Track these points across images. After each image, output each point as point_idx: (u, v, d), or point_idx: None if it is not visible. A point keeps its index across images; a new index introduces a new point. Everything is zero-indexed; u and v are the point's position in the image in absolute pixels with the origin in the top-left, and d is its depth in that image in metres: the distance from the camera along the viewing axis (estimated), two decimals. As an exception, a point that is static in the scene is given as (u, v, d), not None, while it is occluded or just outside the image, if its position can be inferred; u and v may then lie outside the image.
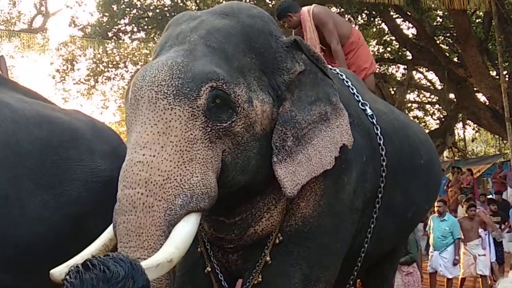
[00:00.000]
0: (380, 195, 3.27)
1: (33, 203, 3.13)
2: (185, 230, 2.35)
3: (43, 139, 3.22)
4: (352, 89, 3.33)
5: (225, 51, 2.62)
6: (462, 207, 13.35)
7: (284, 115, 2.72)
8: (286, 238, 2.86)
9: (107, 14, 16.28)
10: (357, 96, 3.32)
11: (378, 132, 3.26)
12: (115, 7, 16.00)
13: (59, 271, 2.36)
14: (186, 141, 2.42)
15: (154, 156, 2.38)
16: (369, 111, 3.28)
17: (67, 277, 1.45)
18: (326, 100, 2.86)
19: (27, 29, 18.36)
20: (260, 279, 2.85)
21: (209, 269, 2.99)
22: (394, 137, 3.42)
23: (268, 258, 2.85)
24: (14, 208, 3.07)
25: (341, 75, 3.34)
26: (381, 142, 3.24)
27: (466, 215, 9.30)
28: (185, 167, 2.40)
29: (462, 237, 8.92)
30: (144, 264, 2.13)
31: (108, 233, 2.51)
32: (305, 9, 4.80)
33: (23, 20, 19.45)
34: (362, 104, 3.30)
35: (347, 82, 3.32)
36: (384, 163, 3.25)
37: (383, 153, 3.24)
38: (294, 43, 2.84)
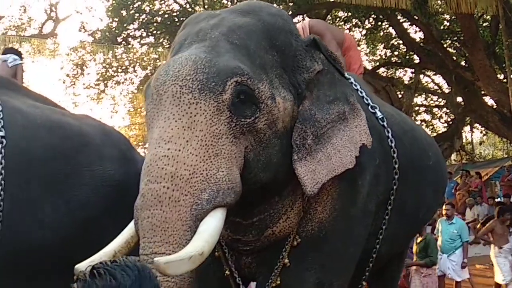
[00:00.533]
0: (392, 197, 3.27)
1: (44, 208, 3.15)
2: (213, 225, 2.33)
3: (54, 144, 3.25)
4: (361, 92, 3.34)
5: (247, 48, 2.62)
6: (470, 210, 13.40)
7: (304, 114, 2.72)
8: (302, 242, 2.86)
9: (117, 20, 16.38)
10: (366, 100, 3.32)
11: (389, 134, 3.26)
12: (124, 12, 16.10)
13: (83, 266, 2.34)
14: (211, 135, 2.41)
15: (179, 150, 2.36)
16: (379, 114, 3.29)
17: (74, 285, 1.43)
18: (344, 100, 2.87)
19: (38, 35, 18.50)
20: (278, 282, 2.84)
21: (228, 273, 2.99)
22: (404, 139, 3.42)
23: (286, 261, 2.84)
24: (25, 213, 3.10)
25: (349, 79, 3.33)
26: (393, 144, 3.25)
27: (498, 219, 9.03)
28: (211, 161, 2.39)
29: (491, 239, 8.88)
30: (177, 255, 2.18)
31: (129, 229, 2.49)
32: (299, 25, 4.85)
33: (33, 26, 19.61)
34: (371, 107, 3.30)
35: (356, 85, 3.33)
36: (396, 166, 3.25)
37: (395, 155, 3.25)
38: (313, 42, 2.85)
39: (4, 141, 3.10)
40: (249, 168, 2.55)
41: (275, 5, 14.53)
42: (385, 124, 3.28)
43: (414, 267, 8.04)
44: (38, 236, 3.11)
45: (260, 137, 2.56)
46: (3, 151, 3.08)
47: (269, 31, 2.73)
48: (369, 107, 3.29)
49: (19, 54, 5.88)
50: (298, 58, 2.78)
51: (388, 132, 3.27)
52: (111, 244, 2.49)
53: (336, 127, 2.80)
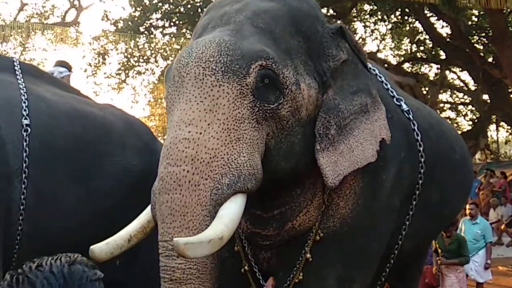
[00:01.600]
0: (417, 192, 3.18)
1: (66, 198, 3.15)
2: (233, 210, 2.28)
3: (77, 134, 3.25)
4: (386, 84, 3.26)
5: (272, 32, 2.56)
6: (494, 210, 13.17)
7: (328, 103, 2.65)
8: (324, 238, 2.80)
9: (139, 9, 16.40)
10: (392, 92, 3.24)
11: (415, 127, 3.17)
12: (147, 2, 16.12)
13: (98, 248, 2.38)
14: (233, 119, 2.35)
15: (200, 133, 2.31)
16: (404, 107, 3.20)
17: None
18: (366, 92, 2.81)
19: (60, 23, 18.59)
20: (301, 277, 2.78)
21: (247, 268, 2.92)
22: (431, 133, 3.34)
23: (308, 255, 2.78)
24: (48, 202, 3.10)
25: (374, 70, 3.27)
26: (419, 138, 3.16)
27: None
28: (232, 146, 2.33)
29: None
30: (196, 238, 2.14)
31: (146, 214, 2.46)
32: None
33: (56, 14, 19.74)
34: (397, 99, 3.22)
35: (380, 77, 3.26)
36: (422, 159, 3.15)
37: (421, 149, 3.15)
38: (340, 30, 2.78)
39: (29, 129, 3.12)
40: (270, 156, 2.49)
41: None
42: (410, 116, 3.19)
43: (444, 266, 7.89)
44: (60, 225, 3.11)
45: (283, 124, 2.49)
46: (27, 139, 3.09)
47: (295, 16, 2.65)
48: (395, 99, 3.21)
49: (67, 66, 5.95)
50: (324, 45, 2.71)
51: (414, 125, 3.17)
52: (127, 228, 2.48)
53: (358, 119, 2.75)
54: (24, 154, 3.04)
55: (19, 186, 3.02)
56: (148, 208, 2.43)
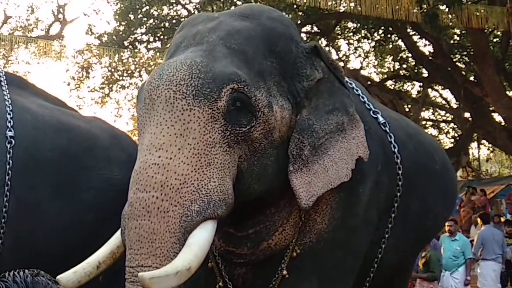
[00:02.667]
0: (396, 205, 3.17)
1: (51, 210, 3.11)
2: (202, 238, 2.26)
3: (62, 146, 3.22)
4: (363, 97, 3.26)
5: (245, 53, 2.54)
6: (475, 227, 13.24)
7: (302, 123, 2.64)
8: (301, 254, 2.79)
9: (124, 23, 16.38)
10: (368, 105, 3.25)
11: (392, 140, 3.16)
12: (132, 16, 16.10)
13: (66, 278, 2.32)
14: (204, 144, 2.34)
15: (170, 158, 2.29)
16: (381, 119, 3.20)
17: None
18: (343, 110, 2.80)
19: (44, 36, 18.47)
20: None
21: (221, 285, 2.90)
22: (409, 144, 3.34)
23: (285, 272, 2.76)
24: (32, 214, 3.06)
25: (351, 84, 3.28)
26: (396, 150, 3.15)
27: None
28: (203, 171, 2.31)
29: None
30: (162, 271, 2.11)
31: (116, 239, 2.43)
32: None
33: (40, 27, 19.62)
34: (373, 112, 3.22)
35: (357, 91, 3.27)
36: (399, 172, 3.15)
37: (398, 161, 3.15)
38: (314, 50, 2.77)
39: (13, 141, 3.08)
40: (243, 178, 2.48)
41: (284, 13, 14.53)
42: (387, 129, 3.19)
43: (418, 280, 8.01)
44: (42, 239, 3.07)
45: (255, 146, 2.48)
46: (11, 151, 3.06)
47: (268, 36, 2.64)
48: (371, 112, 3.22)
49: None
50: (298, 66, 2.70)
51: (390, 137, 3.17)
52: (96, 254, 2.43)
53: (334, 138, 2.74)
54: (8, 167, 3.01)
55: (0, 199, 2.97)
56: (118, 233, 2.40)
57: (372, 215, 3.02)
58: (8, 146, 3.05)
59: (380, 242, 3.18)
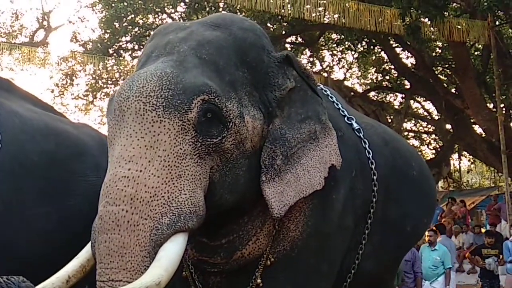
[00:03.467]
0: (372, 210, 3.15)
1: (36, 216, 3.07)
2: (172, 251, 2.23)
3: (50, 151, 3.17)
4: (337, 104, 3.25)
5: (216, 64, 2.52)
6: (456, 238, 13.37)
7: (274, 133, 2.62)
8: (275, 262, 2.77)
9: (109, 31, 16.37)
10: (342, 111, 3.24)
11: (366, 146, 3.16)
12: (117, 24, 16.09)
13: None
14: (175, 156, 2.31)
15: (140, 171, 2.26)
16: (355, 125, 3.19)
17: None
18: (315, 119, 2.78)
19: (28, 43, 18.35)
20: None
21: None
22: (385, 149, 3.32)
23: (259, 281, 2.75)
24: (17, 219, 3.02)
25: (325, 91, 3.28)
26: (370, 156, 3.15)
27: None
28: (173, 183, 2.29)
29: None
30: (131, 286, 2.07)
31: (86, 252, 2.38)
32: None
33: (24, 34, 19.46)
34: (348, 118, 3.21)
35: (331, 98, 3.26)
36: (374, 177, 3.13)
37: (373, 167, 3.14)
38: (286, 59, 2.75)
39: (0, 145, 3.01)
40: (215, 189, 2.45)
41: (268, 24, 14.55)
42: (361, 135, 3.18)
43: None
44: (28, 244, 3.02)
45: (227, 157, 2.46)
46: None
47: (240, 46, 2.62)
48: (345, 118, 3.21)
49: None
50: (270, 75, 2.68)
51: (365, 143, 3.17)
52: (65, 268, 2.37)
53: (306, 147, 2.72)
54: None
55: None
56: (88, 246, 2.36)
57: (348, 222, 3.00)
58: None
59: (357, 248, 3.16)
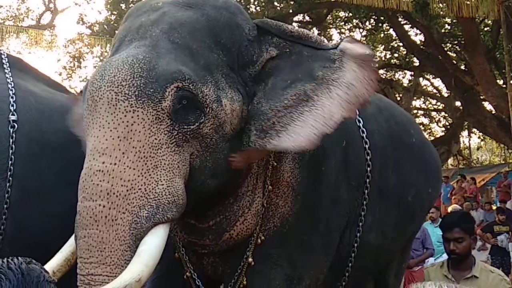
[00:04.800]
0: (368, 180, 3.06)
1: (53, 199, 3.03)
2: (153, 245, 2.19)
3: (66, 131, 3.06)
4: None
5: (190, 48, 2.42)
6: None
7: (251, 111, 2.53)
8: (266, 240, 2.73)
9: (115, 13, 16.34)
10: None
11: (356, 114, 2.97)
12: (123, 6, 16.05)
13: None
14: (150, 146, 2.24)
15: (115, 164, 2.20)
16: None
17: None
18: (306, 78, 2.52)
19: (35, 26, 18.40)
20: (245, 282, 2.72)
21: (188, 274, 2.85)
22: (379, 117, 3.24)
23: (250, 260, 2.71)
24: (33, 203, 2.99)
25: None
26: (361, 124, 3.06)
27: None
28: (149, 174, 2.23)
29: None
30: (110, 286, 2.04)
31: (69, 246, 2.36)
32: None
33: (31, 16, 19.54)
34: None
35: None
36: (366, 146, 3.04)
37: (364, 135, 3.05)
38: (260, 30, 2.61)
39: (16, 125, 2.99)
40: (196, 175, 2.39)
41: (275, 3, 14.44)
42: None
43: None
44: (47, 227, 2.98)
45: (207, 142, 2.39)
46: (14, 135, 2.97)
47: (213, 27, 2.51)
48: None
49: None
50: (244, 53, 2.55)
51: None
52: (50, 263, 2.35)
53: (294, 112, 2.45)
54: (10, 152, 2.93)
55: (3, 184, 2.90)
56: (71, 240, 2.34)
57: (341, 193, 2.94)
58: (11, 130, 2.96)
59: (358, 220, 3.09)
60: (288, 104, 2.46)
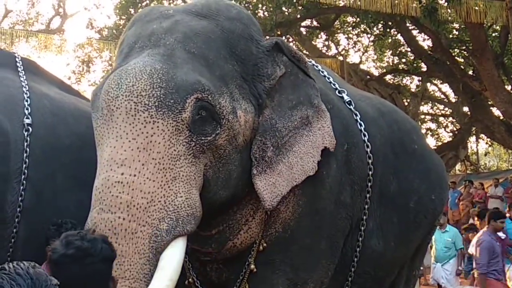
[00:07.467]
0: (369, 184, 3.08)
1: (68, 202, 3.03)
2: (174, 259, 2.21)
3: (81, 134, 3.11)
4: (328, 78, 3.21)
5: (206, 58, 2.45)
6: (474, 220, 13.31)
7: (264, 124, 2.59)
8: (268, 246, 2.75)
9: (124, 17, 16.37)
10: (333, 84, 3.18)
11: (358, 118, 3.09)
12: (132, 10, 16.10)
13: None
14: (169, 157, 2.25)
15: (134, 175, 2.20)
16: (346, 98, 3.13)
17: None
18: (307, 103, 2.73)
19: (45, 30, 18.49)
20: None
21: (191, 280, 2.86)
22: (381, 121, 3.25)
23: (252, 266, 2.73)
24: (47, 206, 2.98)
25: (316, 66, 3.24)
26: (362, 128, 3.08)
27: None
28: (169, 186, 2.23)
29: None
30: None
31: None
32: None
33: (41, 21, 19.66)
34: (338, 91, 3.16)
35: (322, 72, 3.22)
36: (368, 149, 3.06)
37: (366, 139, 3.07)
38: (275, 46, 2.70)
39: (31, 128, 2.99)
40: (209, 186, 2.43)
41: (283, 8, 14.44)
42: (352, 107, 3.11)
43: None
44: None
45: (220, 153, 2.42)
46: (28, 139, 2.96)
47: (228, 38, 2.55)
48: (336, 91, 3.16)
49: None
50: (259, 66, 2.62)
51: (356, 115, 3.10)
52: None
53: (298, 134, 2.68)
54: (25, 155, 2.92)
55: (17, 187, 2.90)
56: None
57: (343, 197, 2.95)
58: (25, 133, 2.96)
59: (359, 225, 3.09)
60: (296, 125, 2.67)
